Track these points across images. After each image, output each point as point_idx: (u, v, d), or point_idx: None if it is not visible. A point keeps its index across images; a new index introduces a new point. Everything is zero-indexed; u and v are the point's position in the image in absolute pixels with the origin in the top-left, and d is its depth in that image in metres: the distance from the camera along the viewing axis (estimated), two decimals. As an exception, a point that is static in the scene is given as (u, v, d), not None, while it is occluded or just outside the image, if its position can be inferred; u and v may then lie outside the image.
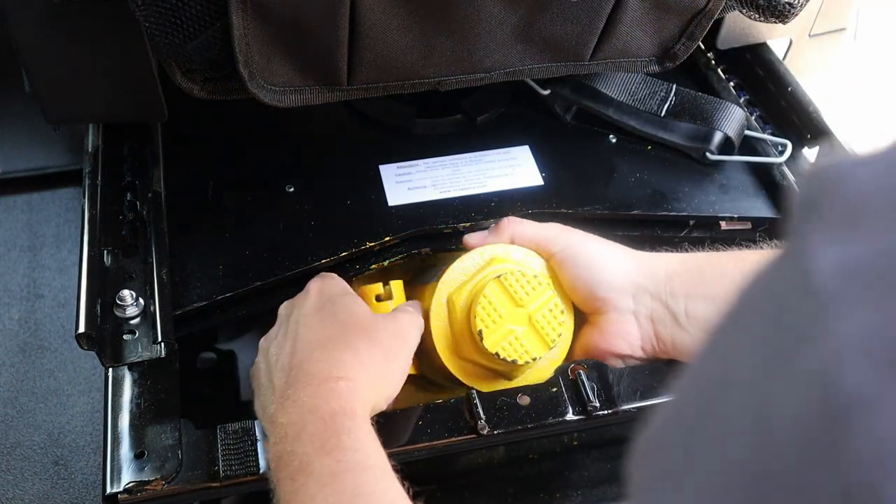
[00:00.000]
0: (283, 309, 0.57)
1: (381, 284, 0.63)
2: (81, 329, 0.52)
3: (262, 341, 0.56)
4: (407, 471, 0.47)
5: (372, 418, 0.51)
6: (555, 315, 0.58)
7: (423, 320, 0.58)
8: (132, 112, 0.63)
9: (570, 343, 0.61)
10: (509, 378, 0.60)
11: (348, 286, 0.58)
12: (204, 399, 0.53)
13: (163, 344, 0.55)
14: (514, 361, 0.56)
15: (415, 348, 0.57)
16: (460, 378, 0.59)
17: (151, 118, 0.67)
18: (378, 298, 0.62)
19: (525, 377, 0.60)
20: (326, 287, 0.57)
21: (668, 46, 0.66)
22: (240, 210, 0.66)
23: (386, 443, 0.55)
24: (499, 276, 0.58)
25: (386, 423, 0.56)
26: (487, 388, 0.59)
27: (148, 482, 0.53)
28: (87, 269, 0.56)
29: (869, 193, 0.19)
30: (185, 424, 0.56)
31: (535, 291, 0.58)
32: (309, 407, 0.47)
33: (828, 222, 0.20)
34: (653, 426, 0.23)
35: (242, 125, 0.72)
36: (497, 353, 0.56)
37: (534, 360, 0.57)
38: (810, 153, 0.76)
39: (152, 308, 0.57)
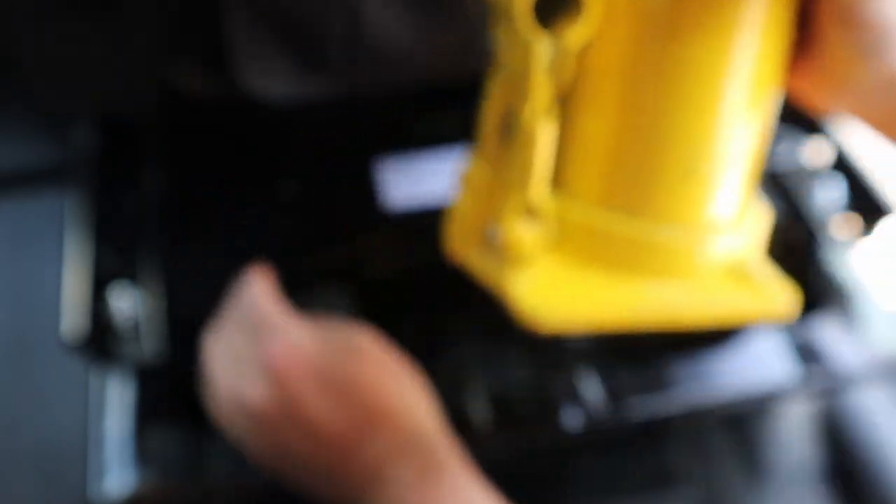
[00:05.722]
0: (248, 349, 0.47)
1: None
2: (77, 330, 0.52)
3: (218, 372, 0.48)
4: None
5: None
6: None
7: None
8: (130, 109, 0.63)
9: None
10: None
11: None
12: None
13: (162, 344, 0.55)
14: None
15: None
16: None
17: (150, 116, 0.67)
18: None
19: None
20: (322, 342, 0.46)
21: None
22: (240, 209, 0.66)
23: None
24: None
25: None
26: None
27: (146, 483, 0.53)
28: (83, 268, 0.56)
29: None
30: (185, 424, 0.56)
31: None
32: None
33: None
34: None
35: (242, 124, 0.72)
36: None
37: None
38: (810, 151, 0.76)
39: (151, 308, 0.57)
